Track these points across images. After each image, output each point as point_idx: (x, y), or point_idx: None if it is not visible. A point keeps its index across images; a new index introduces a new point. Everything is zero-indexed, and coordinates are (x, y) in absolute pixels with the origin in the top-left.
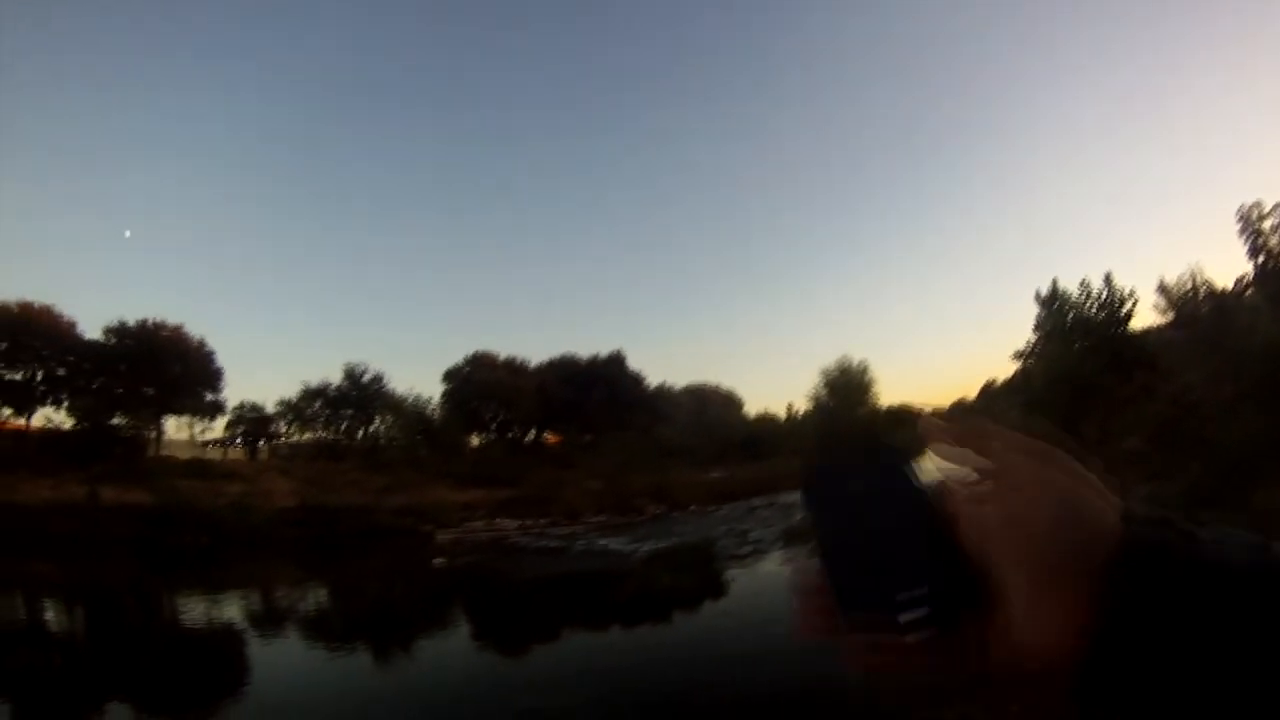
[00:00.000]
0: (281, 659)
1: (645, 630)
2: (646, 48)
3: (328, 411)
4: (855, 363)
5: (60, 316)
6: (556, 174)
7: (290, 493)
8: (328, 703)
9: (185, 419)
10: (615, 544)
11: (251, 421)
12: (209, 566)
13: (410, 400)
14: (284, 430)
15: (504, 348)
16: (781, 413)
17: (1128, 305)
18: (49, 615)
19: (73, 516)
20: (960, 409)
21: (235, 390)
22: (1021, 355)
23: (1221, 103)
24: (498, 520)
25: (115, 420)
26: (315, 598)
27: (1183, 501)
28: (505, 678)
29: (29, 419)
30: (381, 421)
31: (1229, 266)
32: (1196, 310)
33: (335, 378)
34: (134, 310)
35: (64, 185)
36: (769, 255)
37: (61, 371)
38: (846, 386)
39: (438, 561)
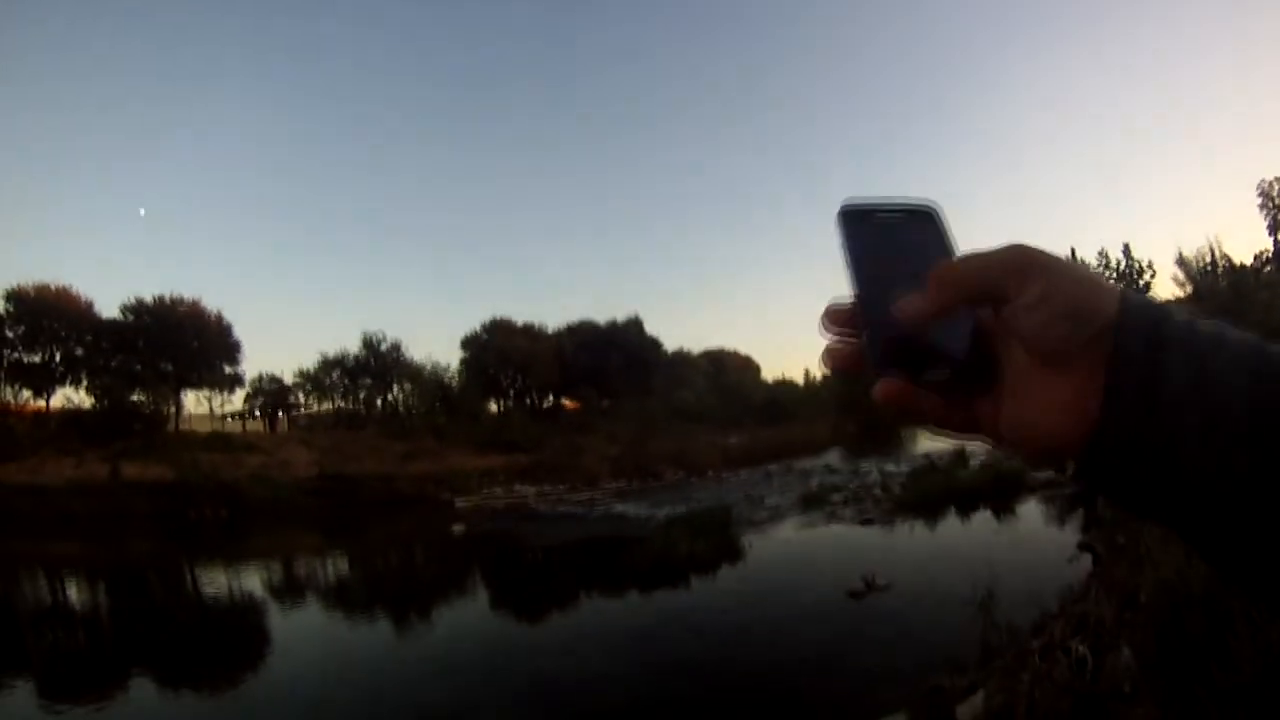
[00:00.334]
0: (301, 627)
1: (662, 596)
2: (669, 15)
3: (346, 381)
4: None
5: (77, 297)
6: (576, 139)
7: (310, 463)
8: (349, 669)
9: (204, 393)
10: (633, 510)
11: (270, 393)
12: (230, 539)
13: (429, 368)
14: (303, 401)
15: (522, 314)
16: (799, 378)
17: (1146, 276)
18: (73, 593)
19: (95, 494)
20: None
21: (253, 363)
22: None
23: (1243, 77)
24: (516, 487)
25: (135, 397)
26: (335, 567)
27: None
28: (523, 642)
29: (49, 400)
30: (400, 390)
31: (1249, 241)
32: (1215, 284)
33: (353, 347)
34: (151, 288)
35: (79, 166)
36: (789, 220)
37: (80, 351)
38: None
39: (457, 528)
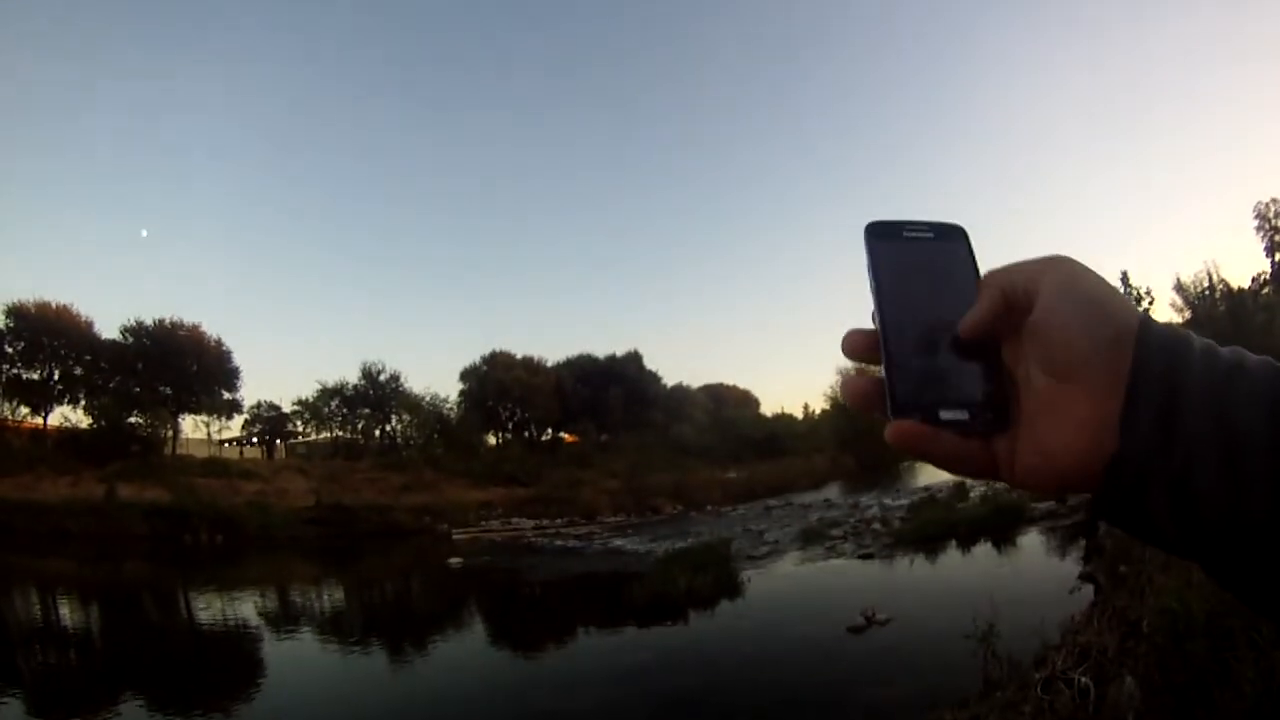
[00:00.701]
0: (295, 658)
1: (661, 631)
2: (664, 50)
3: (344, 411)
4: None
5: (78, 316)
6: (576, 173)
7: (307, 491)
8: (343, 702)
9: (202, 418)
10: (631, 544)
11: (268, 420)
12: (225, 565)
13: (427, 399)
14: (301, 429)
15: (521, 347)
16: (798, 412)
17: (1144, 304)
18: (66, 611)
19: (90, 514)
20: None
21: (252, 389)
22: None
23: (1238, 98)
24: (514, 520)
25: (132, 419)
26: (331, 597)
27: None
28: (521, 677)
29: (46, 417)
30: (398, 421)
31: (1246, 264)
32: (1213, 308)
33: (352, 377)
34: (150, 310)
35: (82, 185)
36: (790, 254)
37: (79, 370)
38: None
39: (454, 561)
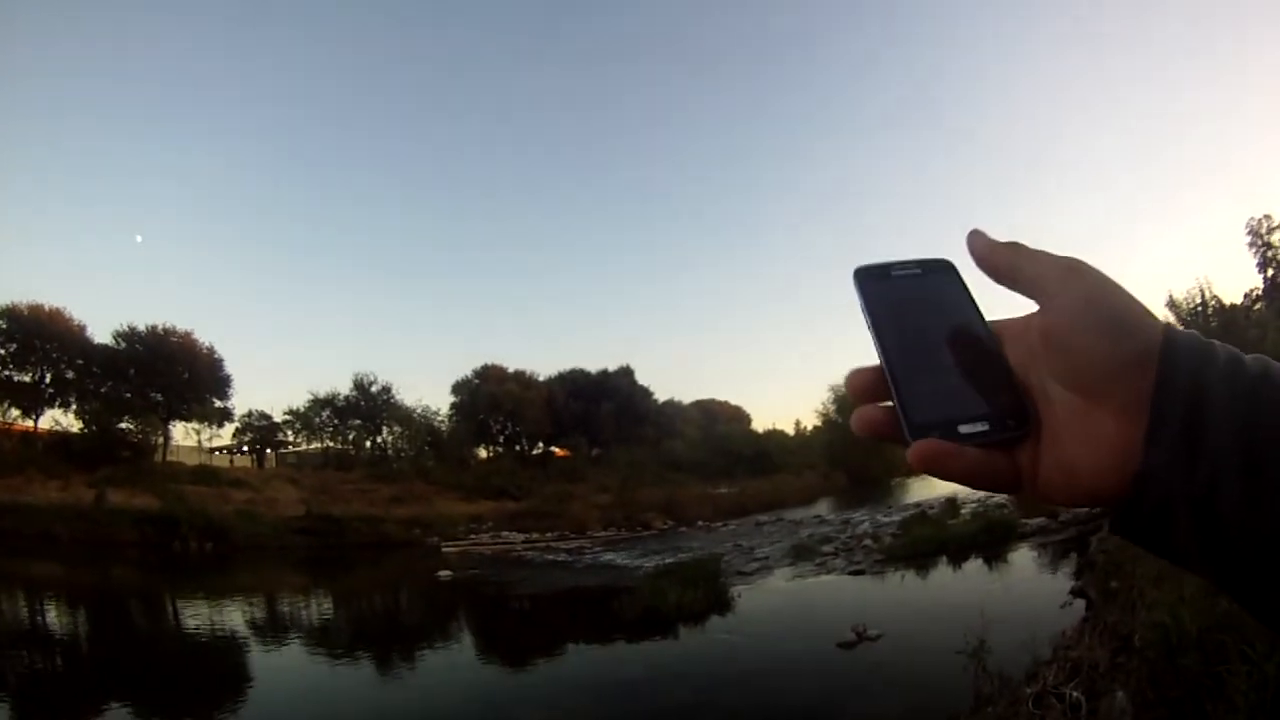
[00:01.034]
0: (282, 668)
1: (651, 646)
2: (657, 59)
3: (336, 421)
4: None
5: (71, 319)
6: (570, 188)
7: (297, 501)
8: (329, 714)
9: (193, 425)
10: (622, 559)
11: (259, 429)
12: (213, 573)
13: (419, 411)
14: (291, 439)
15: (513, 360)
16: (790, 429)
17: None
18: (53, 616)
19: (80, 519)
20: None
21: (243, 398)
22: None
23: (1231, 116)
24: (504, 533)
25: (123, 425)
26: (320, 607)
27: None
28: (509, 692)
29: (37, 420)
30: (389, 432)
31: (1238, 280)
32: (1206, 325)
33: (344, 387)
34: (144, 316)
35: (78, 188)
36: (783, 271)
37: (70, 374)
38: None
39: (443, 574)
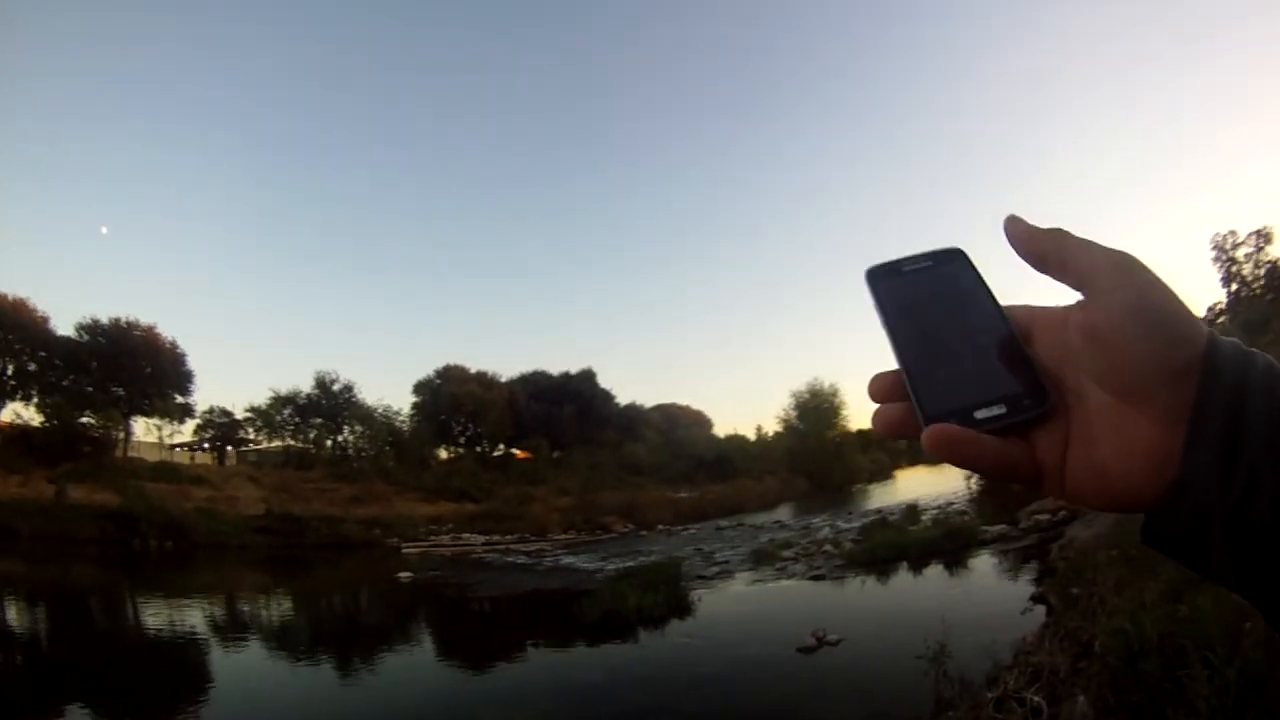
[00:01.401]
0: (243, 670)
1: (611, 649)
2: (619, 60)
3: (297, 419)
4: (826, 385)
5: (34, 310)
6: (534, 189)
7: (257, 500)
8: (288, 716)
9: (154, 421)
10: (582, 562)
11: (220, 426)
12: (173, 571)
13: (380, 411)
14: (253, 436)
15: (476, 361)
16: (751, 434)
17: None
18: (11, 613)
19: (40, 515)
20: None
21: (205, 394)
22: None
23: (1194, 131)
24: (464, 535)
25: (85, 419)
26: (279, 607)
27: None
28: (469, 694)
29: None
30: (351, 431)
31: (1202, 294)
32: None
33: (306, 385)
34: (107, 308)
35: (43, 179)
36: (746, 277)
37: (33, 366)
38: (817, 409)
39: (404, 575)
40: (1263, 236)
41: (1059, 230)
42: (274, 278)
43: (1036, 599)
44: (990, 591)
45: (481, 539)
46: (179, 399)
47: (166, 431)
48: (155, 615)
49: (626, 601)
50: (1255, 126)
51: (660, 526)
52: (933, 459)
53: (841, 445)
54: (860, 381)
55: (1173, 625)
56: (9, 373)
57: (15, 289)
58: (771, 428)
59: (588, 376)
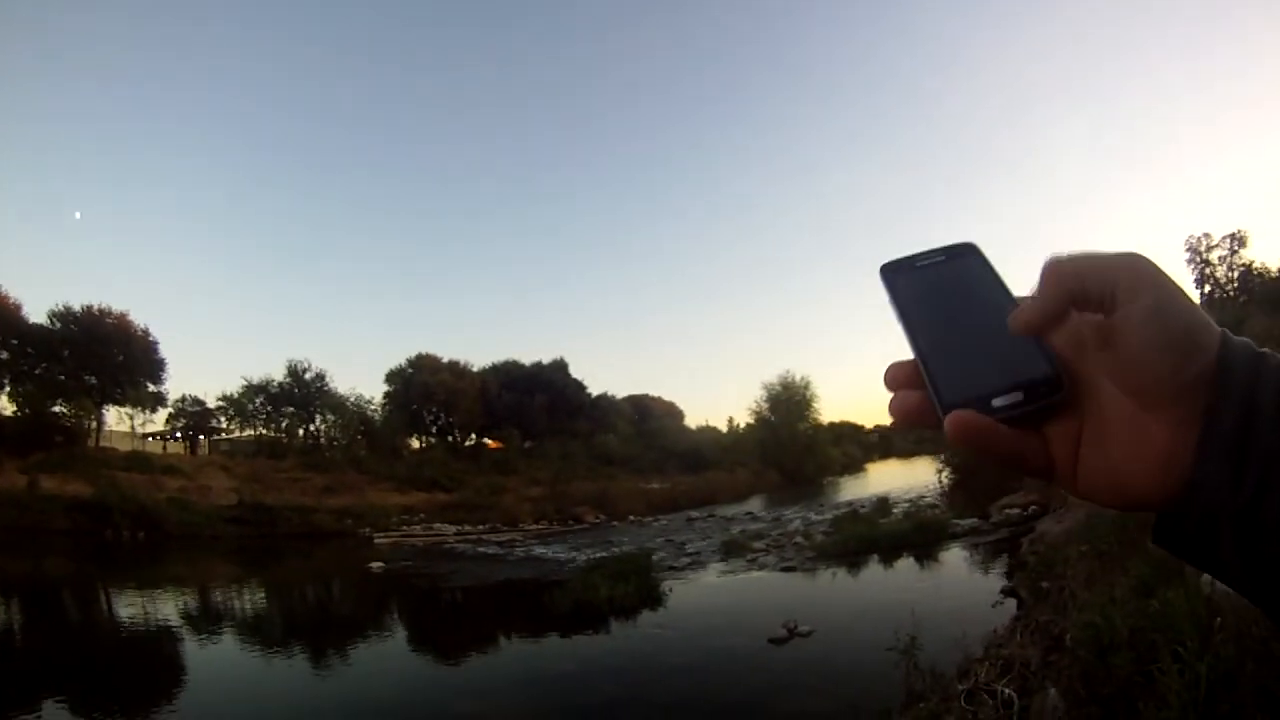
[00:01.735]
0: (216, 661)
1: (583, 639)
2: (591, 54)
3: (269, 408)
4: (798, 378)
5: (7, 297)
6: (507, 179)
7: (229, 489)
8: (258, 706)
9: (126, 410)
10: (553, 552)
11: (193, 415)
12: (145, 562)
13: (352, 400)
14: (225, 425)
15: (448, 350)
16: (723, 425)
17: None
18: None
19: (12, 506)
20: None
21: (177, 383)
22: None
23: (1169, 136)
24: (436, 525)
25: (56, 408)
26: (252, 598)
27: None
28: (441, 684)
29: None
30: (323, 420)
31: None
32: None
33: (278, 374)
34: (80, 295)
35: (15, 164)
36: (718, 269)
37: (4, 355)
38: (788, 401)
39: (375, 565)
40: (1237, 240)
41: (1065, 259)
42: (245, 266)
43: (1007, 592)
44: (961, 585)
45: (453, 529)
46: (151, 387)
47: (139, 421)
48: (128, 607)
49: (598, 592)
50: (1230, 130)
51: (631, 517)
52: (910, 452)
53: (813, 438)
54: (832, 375)
55: (1143, 619)
56: None
57: None
58: (743, 420)
59: (560, 366)
